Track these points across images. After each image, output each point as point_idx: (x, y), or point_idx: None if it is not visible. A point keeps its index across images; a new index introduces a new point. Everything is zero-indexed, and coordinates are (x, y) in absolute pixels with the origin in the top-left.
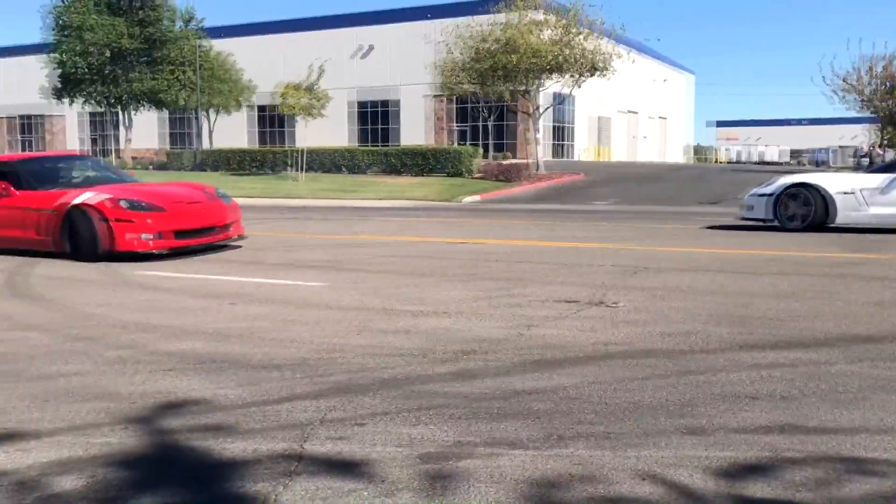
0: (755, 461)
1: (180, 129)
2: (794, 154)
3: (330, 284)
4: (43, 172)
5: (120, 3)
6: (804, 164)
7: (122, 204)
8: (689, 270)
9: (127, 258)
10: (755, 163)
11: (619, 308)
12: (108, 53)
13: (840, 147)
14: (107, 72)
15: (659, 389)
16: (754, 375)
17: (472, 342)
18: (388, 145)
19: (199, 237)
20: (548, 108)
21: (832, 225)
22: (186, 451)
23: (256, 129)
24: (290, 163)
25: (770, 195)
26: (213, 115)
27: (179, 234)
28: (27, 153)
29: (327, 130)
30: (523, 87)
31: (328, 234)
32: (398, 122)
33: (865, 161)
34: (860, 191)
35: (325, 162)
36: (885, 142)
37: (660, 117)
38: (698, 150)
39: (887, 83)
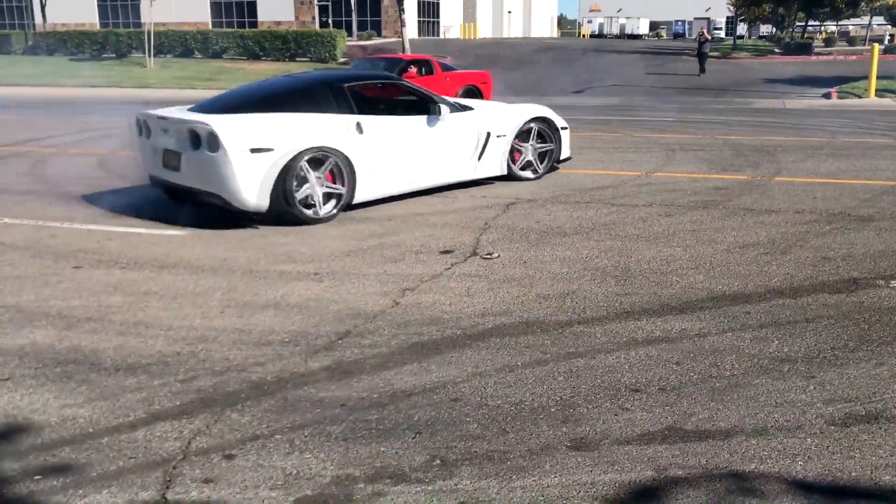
0: (640, 483)
1: (7, 2)
2: (653, 27)
3: (190, 233)
4: None
5: None
6: (662, 38)
7: None
8: (563, 202)
9: None
10: (616, 36)
11: (494, 261)
12: None
13: (695, 19)
14: None
15: (539, 382)
16: (633, 357)
17: (346, 319)
18: (252, 20)
19: None
20: None
21: None
22: None
23: (108, 3)
24: (135, 45)
25: None
26: None
27: None
28: None
29: (183, 2)
30: None
31: None
32: None
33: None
34: None
35: (175, 45)
36: (737, 16)
37: None
38: (564, 23)
39: None
